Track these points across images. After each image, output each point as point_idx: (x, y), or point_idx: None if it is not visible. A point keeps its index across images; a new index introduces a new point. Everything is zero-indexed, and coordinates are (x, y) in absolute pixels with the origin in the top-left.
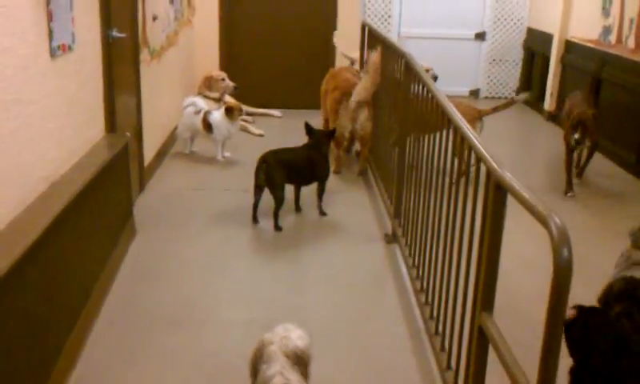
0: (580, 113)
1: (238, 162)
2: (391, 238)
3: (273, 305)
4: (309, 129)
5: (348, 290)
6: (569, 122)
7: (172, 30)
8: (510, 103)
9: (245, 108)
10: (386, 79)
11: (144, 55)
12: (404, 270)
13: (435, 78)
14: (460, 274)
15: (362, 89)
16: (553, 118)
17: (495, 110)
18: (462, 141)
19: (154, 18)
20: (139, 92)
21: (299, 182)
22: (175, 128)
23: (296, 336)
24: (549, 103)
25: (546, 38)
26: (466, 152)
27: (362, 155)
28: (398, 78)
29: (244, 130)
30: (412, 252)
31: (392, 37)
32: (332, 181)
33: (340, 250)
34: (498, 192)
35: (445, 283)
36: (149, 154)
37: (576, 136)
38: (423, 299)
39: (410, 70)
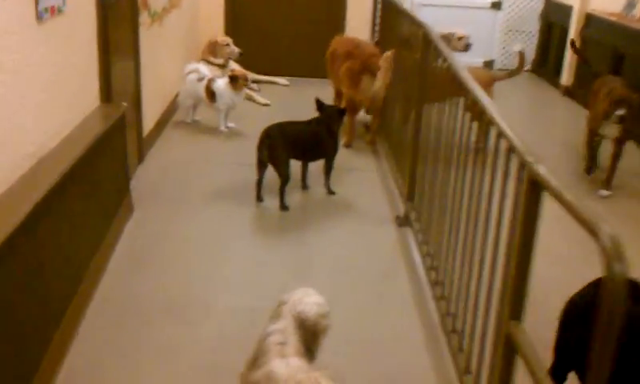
0: (625, 92)
1: (242, 133)
2: (403, 221)
3: (277, 292)
4: (320, 104)
5: (357, 277)
6: (607, 101)
7: None
8: (520, 66)
9: (250, 75)
10: (399, 49)
11: (144, 18)
12: (417, 257)
13: (468, 46)
14: (484, 269)
15: (379, 88)
16: (570, 93)
17: (510, 74)
18: (486, 121)
19: None
20: (138, 57)
21: (305, 159)
22: (177, 95)
23: (310, 301)
24: (566, 78)
25: (565, 10)
26: (490, 132)
27: (373, 125)
28: (413, 48)
29: (249, 98)
30: (427, 238)
31: (405, 4)
32: (341, 156)
33: (349, 232)
34: (533, 189)
35: (465, 277)
36: (148, 123)
37: (621, 112)
38: (439, 292)
39: (429, 43)
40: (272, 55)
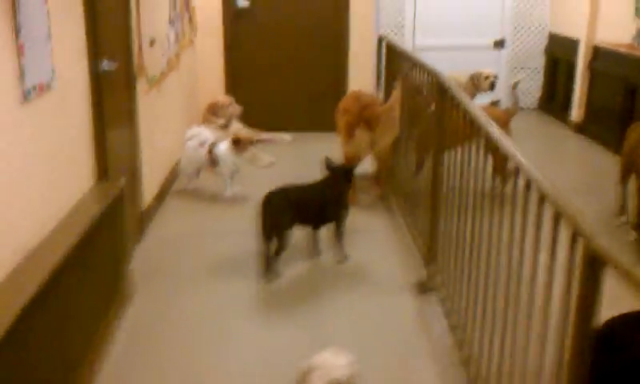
0: None
1: (247, 197)
2: (424, 287)
3: (290, 377)
4: (328, 164)
5: (373, 357)
6: None
7: (173, 53)
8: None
9: (253, 135)
10: (408, 95)
11: (141, 85)
12: (442, 329)
13: (494, 85)
14: (529, 350)
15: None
16: (581, 129)
17: (514, 105)
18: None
19: (152, 43)
20: (136, 128)
21: (312, 224)
22: (177, 163)
23: (341, 364)
24: (576, 113)
25: (571, 44)
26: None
27: (380, 178)
28: (424, 96)
29: (254, 159)
30: (453, 306)
31: (406, 49)
32: (349, 216)
33: (363, 305)
34: (592, 267)
35: (505, 356)
36: (148, 195)
37: None
38: (472, 372)
39: (444, 91)
40: (275, 111)
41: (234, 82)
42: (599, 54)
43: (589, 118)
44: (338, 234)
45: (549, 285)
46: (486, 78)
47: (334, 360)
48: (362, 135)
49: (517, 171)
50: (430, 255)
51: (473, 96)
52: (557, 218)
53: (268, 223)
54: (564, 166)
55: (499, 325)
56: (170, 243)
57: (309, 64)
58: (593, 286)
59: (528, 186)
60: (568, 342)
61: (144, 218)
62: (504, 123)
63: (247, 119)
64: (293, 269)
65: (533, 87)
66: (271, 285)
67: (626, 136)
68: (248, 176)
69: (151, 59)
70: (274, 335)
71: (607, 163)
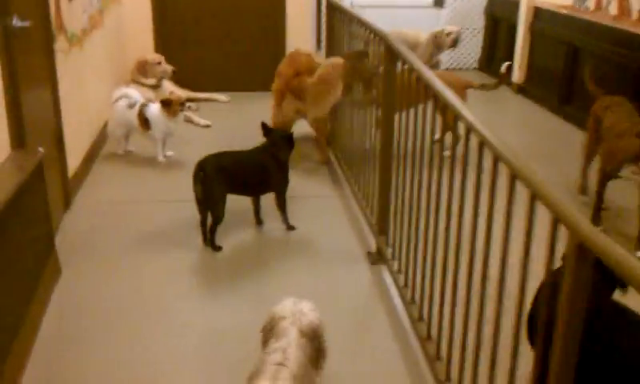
0: None
1: (182, 162)
2: (376, 258)
3: (236, 362)
4: (266, 129)
5: (330, 331)
6: (629, 139)
7: (95, 9)
8: (500, 82)
9: (187, 94)
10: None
11: (61, 43)
12: (398, 304)
13: (456, 42)
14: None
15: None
16: (522, 90)
17: (482, 87)
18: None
19: None
20: (56, 89)
21: (249, 194)
22: (106, 125)
23: (308, 309)
24: (517, 75)
25: (512, 4)
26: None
27: (320, 144)
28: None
29: (188, 120)
30: (408, 281)
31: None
32: (293, 181)
33: (315, 277)
34: (582, 256)
35: (461, 328)
36: (74, 161)
37: None
38: (431, 351)
39: (394, 55)
40: (209, 70)
41: (165, 40)
42: (541, 15)
43: (530, 79)
44: (279, 204)
45: (506, 249)
46: (448, 34)
47: (301, 306)
48: (289, 104)
49: (468, 132)
50: (380, 224)
51: (434, 55)
52: (513, 179)
53: (200, 193)
54: (508, 128)
55: (461, 301)
56: (100, 213)
57: (245, 20)
58: (581, 275)
59: (481, 146)
60: (558, 343)
61: (70, 187)
62: (460, 89)
63: (180, 79)
64: (236, 238)
65: (472, 47)
66: (212, 256)
67: (591, 112)
68: (182, 139)
69: (71, 15)
70: (218, 311)
71: (551, 125)
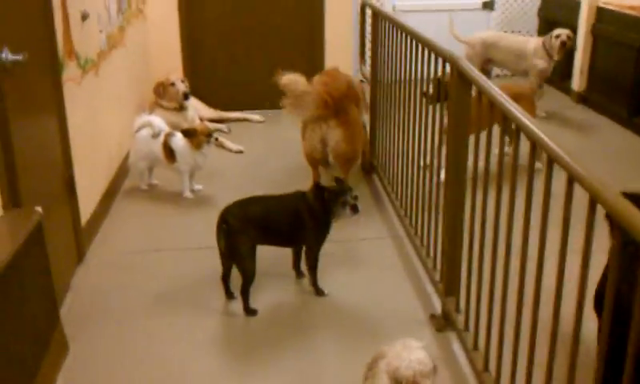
0: None
1: (212, 197)
2: (443, 323)
3: None
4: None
5: None
6: None
7: (115, 26)
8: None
9: (218, 114)
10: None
11: (70, 71)
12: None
13: (565, 46)
14: None
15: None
16: (584, 99)
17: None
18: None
19: (84, 17)
20: (64, 125)
21: (278, 245)
22: (127, 156)
23: (409, 358)
24: (578, 82)
25: (569, 5)
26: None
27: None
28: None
29: (219, 146)
30: (489, 364)
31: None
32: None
33: (365, 348)
34: None
35: None
36: (89, 204)
37: None
38: None
39: (467, 82)
40: (242, 88)
41: (195, 57)
42: (604, 16)
43: (593, 87)
44: (309, 262)
45: None
46: (557, 36)
47: (405, 352)
48: (312, 131)
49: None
50: (447, 282)
51: (546, 66)
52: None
53: (224, 248)
54: (571, 140)
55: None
56: (117, 266)
57: (280, 33)
58: None
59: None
60: None
61: (85, 234)
62: (530, 101)
63: (211, 98)
64: (271, 297)
65: None
66: (245, 323)
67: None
68: (212, 169)
69: (84, 38)
70: None
71: (619, 138)
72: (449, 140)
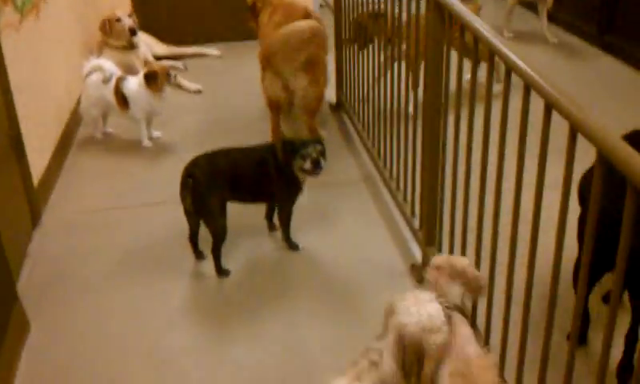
0: None
1: (173, 144)
2: (423, 273)
3: None
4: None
5: None
6: None
7: None
8: None
9: (171, 50)
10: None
11: (7, 16)
12: None
13: None
14: None
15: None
16: (551, 18)
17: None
18: None
19: None
20: (5, 78)
21: (249, 201)
22: (79, 103)
23: (416, 312)
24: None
25: None
26: None
27: (309, 127)
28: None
29: (176, 85)
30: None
31: None
32: None
33: (343, 311)
34: None
35: None
36: (40, 161)
37: None
38: None
39: (442, 10)
40: (197, 19)
41: None
42: None
43: (561, 4)
44: (281, 218)
45: None
46: None
47: (414, 306)
48: (271, 80)
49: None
50: (427, 230)
51: None
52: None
53: (190, 205)
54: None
55: None
56: (76, 227)
57: None
58: None
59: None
60: None
61: (39, 194)
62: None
63: (164, 32)
64: (243, 256)
65: None
66: (218, 284)
67: None
68: (171, 112)
69: None
70: (230, 366)
71: (589, 58)
72: (426, 75)
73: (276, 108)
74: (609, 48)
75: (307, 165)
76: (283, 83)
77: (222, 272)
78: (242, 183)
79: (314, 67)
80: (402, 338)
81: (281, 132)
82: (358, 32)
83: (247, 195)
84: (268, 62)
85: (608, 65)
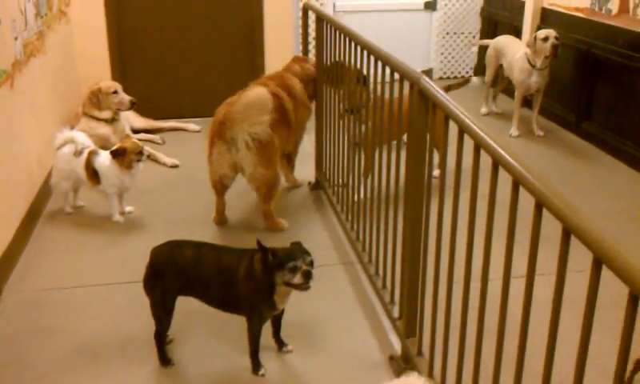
0: None
1: (145, 221)
2: (403, 367)
3: None
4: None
5: None
6: None
7: (33, 32)
8: (464, 82)
9: (150, 124)
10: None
11: None
12: None
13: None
14: None
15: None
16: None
17: (448, 88)
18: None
19: None
20: None
21: (210, 304)
22: (50, 175)
23: None
24: None
25: (513, 5)
26: None
27: (263, 213)
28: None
29: (153, 160)
30: None
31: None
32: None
33: None
34: None
35: None
36: (4, 233)
37: None
38: None
39: (427, 100)
40: (177, 95)
41: (124, 62)
42: (549, 18)
43: None
44: (251, 337)
45: None
46: (545, 39)
47: None
48: (219, 153)
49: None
50: (407, 320)
51: (527, 76)
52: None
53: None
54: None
55: None
56: (38, 306)
57: (217, 36)
58: None
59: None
60: None
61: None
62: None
63: (143, 107)
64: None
65: (468, 55)
66: (186, 372)
67: None
68: (145, 187)
69: None
70: None
71: (568, 144)
72: (408, 158)
73: (221, 189)
74: (586, 135)
75: (297, 279)
76: (232, 159)
77: (164, 361)
78: (200, 282)
79: (266, 146)
80: None
81: (226, 219)
82: (335, 71)
83: (207, 297)
84: (222, 130)
85: (585, 150)
